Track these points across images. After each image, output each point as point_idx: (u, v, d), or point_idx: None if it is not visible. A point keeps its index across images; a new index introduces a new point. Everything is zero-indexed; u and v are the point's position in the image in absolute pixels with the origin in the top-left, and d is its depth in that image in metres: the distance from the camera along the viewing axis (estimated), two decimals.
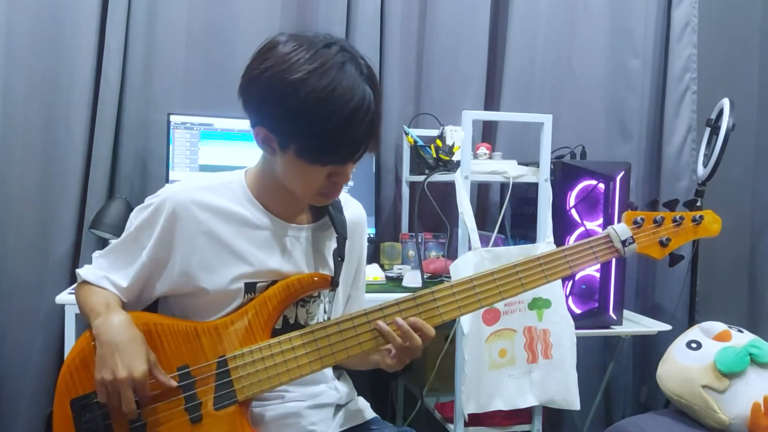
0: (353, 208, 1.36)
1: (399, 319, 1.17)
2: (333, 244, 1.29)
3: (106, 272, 1.24)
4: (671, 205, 1.34)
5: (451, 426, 1.99)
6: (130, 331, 1.13)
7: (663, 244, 1.31)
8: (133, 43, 2.22)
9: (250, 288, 1.21)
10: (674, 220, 1.32)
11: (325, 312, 1.30)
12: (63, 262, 2.18)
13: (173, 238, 1.19)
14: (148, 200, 1.22)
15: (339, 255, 1.27)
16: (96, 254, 1.28)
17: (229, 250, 1.20)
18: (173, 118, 2.17)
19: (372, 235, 2.33)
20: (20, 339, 2.18)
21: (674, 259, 1.34)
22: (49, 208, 2.20)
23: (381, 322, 1.17)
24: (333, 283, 1.25)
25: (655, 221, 1.31)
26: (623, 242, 1.29)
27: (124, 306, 1.23)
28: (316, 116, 1.07)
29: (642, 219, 1.31)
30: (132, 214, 1.24)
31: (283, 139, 1.12)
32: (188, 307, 1.23)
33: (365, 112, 1.09)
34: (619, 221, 1.33)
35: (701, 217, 1.33)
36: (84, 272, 1.26)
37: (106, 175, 2.20)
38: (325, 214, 1.29)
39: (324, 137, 1.08)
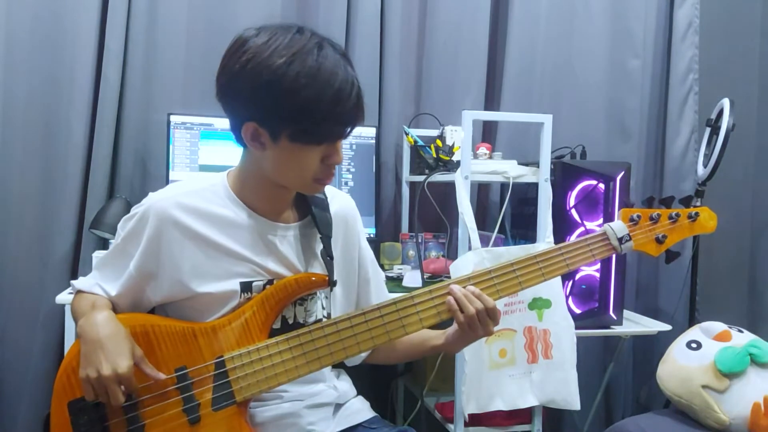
0: (339, 202, 1.35)
1: (455, 287, 1.18)
2: (321, 244, 1.28)
3: (98, 281, 1.25)
4: (667, 202, 1.34)
5: (451, 426, 1.99)
6: (113, 326, 1.13)
7: (659, 241, 1.31)
8: (133, 43, 2.22)
9: (245, 287, 1.21)
10: (670, 217, 1.33)
11: (323, 308, 1.30)
12: (63, 262, 2.18)
13: (160, 248, 1.19)
14: (133, 210, 1.23)
15: (327, 254, 1.27)
16: (94, 261, 1.29)
17: (219, 252, 1.20)
18: (173, 118, 2.17)
19: (372, 235, 2.33)
20: (20, 339, 2.18)
21: (670, 256, 1.34)
22: (49, 209, 2.20)
23: (456, 287, 1.19)
24: (330, 283, 1.25)
25: (651, 218, 1.32)
26: (620, 240, 1.29)
27: (116, 309, 1.22)
28: (308, 96, 1.08)
29: (638, 216, 1.31)
30: (119, 225, 1.25)
31: (275, 127, 1.12)
32: (185, 309, 1.22)
33: (351, 87, 1.12)
34: None
35: (697, 214, 1.34)
36: (78, 282, 1.28)
37: (106, 175, 2.20)
38: (309, 213, 1.28)
39: (317, 115, 1.10)
